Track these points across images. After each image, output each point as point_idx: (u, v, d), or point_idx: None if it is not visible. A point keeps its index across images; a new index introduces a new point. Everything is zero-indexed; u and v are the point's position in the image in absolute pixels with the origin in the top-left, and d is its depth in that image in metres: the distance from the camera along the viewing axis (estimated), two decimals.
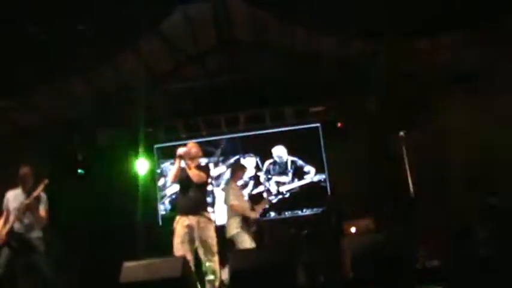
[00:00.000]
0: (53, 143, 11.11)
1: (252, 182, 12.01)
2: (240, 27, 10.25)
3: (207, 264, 6.68)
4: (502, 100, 9.52)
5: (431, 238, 9.79)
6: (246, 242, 8.09)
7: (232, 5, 9.34)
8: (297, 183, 11.84)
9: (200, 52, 11.03)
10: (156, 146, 12.28)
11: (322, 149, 11.93)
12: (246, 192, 11.94)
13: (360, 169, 11.34)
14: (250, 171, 12.05)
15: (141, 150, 11.56)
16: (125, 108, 10.94)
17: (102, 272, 8.29)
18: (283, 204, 11.80)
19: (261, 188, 11.98)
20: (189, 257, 6.76)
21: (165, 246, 7.39)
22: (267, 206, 8.84)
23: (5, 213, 7.47)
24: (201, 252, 6.78)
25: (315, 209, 11.55)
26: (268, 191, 11.88)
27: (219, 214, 10.80)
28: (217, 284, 6.73)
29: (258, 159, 12.12)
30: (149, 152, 12.01)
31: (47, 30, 7.38)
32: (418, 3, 7.75)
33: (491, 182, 9.63)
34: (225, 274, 7.03)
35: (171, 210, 11.91)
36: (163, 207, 12.19)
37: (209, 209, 7.13)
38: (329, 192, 11.67)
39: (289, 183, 11.94)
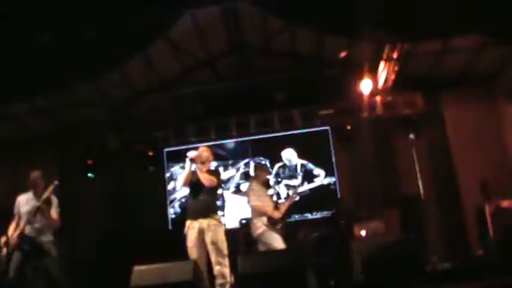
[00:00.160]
0: (64, 148, 11.18)
1: None
2: (249, 32, 10.27)
3: (217, 267, 6.67)
4: None
5: (442, 240, 9.80)
6: (273, 240, 7.99)
7: (241, 10, 9.36)
8: (306, 186, 11.83)
9: (210, 56, 11.07)
10: (166, 149, 12.30)
11: (332, 152, 11.91)
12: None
13: (369, 172, 11.33)
14: None
15: (151, 154, 11.59)
16: (135, 113, 10.98)
17: (113, 276, 8.33)
18: (293, 207, 11.76)
19: (270, 191, 11.97)
20: (203, 260, 6.76)
21: (175, 250, 7.40)
22: (296, 198, 8.67)
23: (16, 217, 7.50)
24: (212, 255, 6.78)
25: (324, 212, 11.54)
26: (278, 194, 11.88)
27: (229, 218, 10.83)
28: (227, 287, 6.72)
29: (267, 163, 12.12)
30: (159, 155, 12.03)
31: (57, 37, 7.42)
32: (429, 6, 7.73)
33: (503, 185, 9.62)
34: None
35: (181, 213, 11.94)
36: (173, 211, 12.21)
37: (219, 212, 7.10)
38: (339, 195, 11.65)
39: (299, 186, 11.93)
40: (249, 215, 11.27)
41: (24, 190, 7.65)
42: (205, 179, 6.92)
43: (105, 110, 10.81)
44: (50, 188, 7.32)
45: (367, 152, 11.40)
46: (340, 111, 11.37)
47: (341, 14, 7.93)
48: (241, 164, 12.18)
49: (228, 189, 11.78)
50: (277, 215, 8.16)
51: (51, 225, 7.44)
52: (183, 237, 7.04)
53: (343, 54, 10.34)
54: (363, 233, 9.38)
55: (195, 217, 6.87)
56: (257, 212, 8.16)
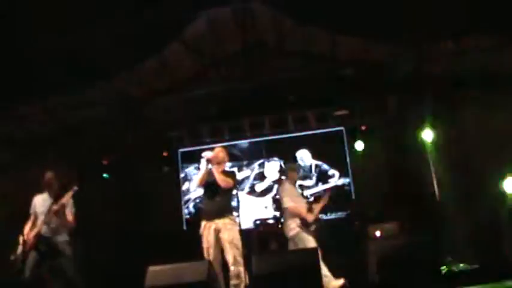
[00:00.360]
0: (79, 147, 11.23)
1: (276, 186, 12.01)
2: (263, 32, 10.25)
3: (233, 267, 6.68)
4: None
5: (458, 241, 9.74)
6: (306, 241, 7.99)
7: (255, 10, 9.36)
8: (321, 187, 11.82)
9: (224, 57, 11.07)
10: (180, 150, 12.34)
11: (346, 153, 11.89)
12: (270, 196, 11.97)
13: (384, 172, 11.31)
14: (274, 175, 12.07)
15: (165, 154, 11.63)
16: (150, 113, 11.01)
17: (127, 276, 8.35)
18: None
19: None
20: (218, 261, 6.78)
21: (189, 251, 7.41)
22: (326, 201, 8.63)
23: (32, 217, 7.58)
24: (228, 255, 6.79)
25: (339, 213, 11.52)
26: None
27: (243, 218, 10.85)
28: (242, 287, 6.72)
29: (282, 163, 12.13)
30: (173, 156, 12.07)
31: (71, 37, 7.46)
32: (444, 5, 7.70)
33: None
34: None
35: (195, 214, 11.97)
36: (187, 211, 12.24)
37: (234, 213, 7.10)
38: (353, 196, 11.63)
39: (313, 187, 11.93)
40: (263, 215, 11.36)
41: (39, 191, 7.72)
42: (222, 180, 6.93)
43: (120, 110, 10.84)
44: (70, 193, 7.39)
45: (382, 152, 11.37)
46: (355, 112, 11.36)
47: (355, 14, 7.92)
48: (256, 165, 12.20)
49: (242, 190, 11.80)
50: (311, 217, 8.14)
51: (67, 226, 7.51)
52: (197, 238, 7.06)
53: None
54: (378, 233, 9.35)
55: (211, 218, 6.89)
56: (291, 213, 8.13)
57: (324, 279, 7.66)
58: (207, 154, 7.05)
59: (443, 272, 8.04)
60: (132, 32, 8.02)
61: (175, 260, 6.46)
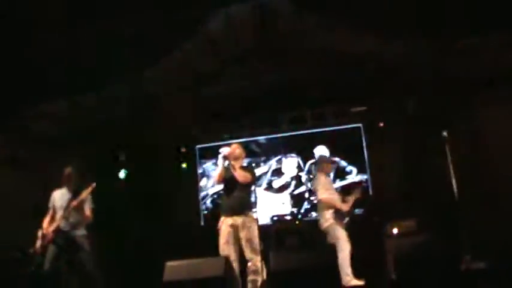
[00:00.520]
0: (99, 144, 11.30)
1: (293, 183, 12.02)
2: (283, 28, 10.24)
3: (250, 264, 6.70)
4: None
5: (477, 239, 9.68)
6: (339, 234, 8.00)
7: (275, 6, 9.35)
8: (338, 184, 11.79)
9: (243, 53, 11.07)
10: (198, 146, 12.37)
11: (364, 149, 11.86)
12: (287, 192, 11.98)
13: (402, 169, 11.26)
14: (292, 172, 12.07)
15: (183, 150, 11.67)
16: (168, 109, 11.05)
17: (145, 271, 8.40)
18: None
19: (302, 188, 11.98)
20: (234, 257, 6.79)
21: (207, 246, 7.43)
22: (358, 196, 8.62)
23: (51, 212, 7.67)
24: (245, 252, 6.80)
25: (356, 210, 11.47)
26: (310, 191, 11.87)
27: (261, 214, 10.85)
28: (259, 284, 6.73)
29: (299, 160, 12.12)
30: (191, 152, 12.11)
31: (95, 34, 7.51)
32: (463, 2, 7.65)
33: None
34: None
35: (213, 210, 12.00)
36: (205, 207, 12.27)
37: (253, 209, 7.11)
38: (371, 193, 11.59)
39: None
40: (280, 212, 11.37)
41: (58, 186, 7.80)
42: (240, 175, 6.94)
43: (138, 106, 10.89)
44: (88, 190, 7.45)
45: (400, 149, 11.33)
46: (373, 109, 11.33)
47: (375, 11, 7.89)
48: (273, 161, 12.20)
49: (260, 186, 11.80)
50: (345, 208, 8.15)
51: (85, 221, 7.57)
52: (215, 233, 7.08)
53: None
54: (395, 231, 9.31)
55: (229, 214, 6.91)
56: (326, 205, 8.12)
57: (346, 278, 7.67)
58: (223, 150, 7.07)
59: (462, 270, 8.00)
60: (151, 29, 8.05)
61: (193, 256, 6.50)
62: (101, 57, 8.19)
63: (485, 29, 8.35)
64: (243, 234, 6.76)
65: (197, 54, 10.05)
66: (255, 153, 12.19)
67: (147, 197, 11.41)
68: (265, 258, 6.78)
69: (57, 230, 7.41)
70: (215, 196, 12.07)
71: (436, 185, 10.44)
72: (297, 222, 10.76)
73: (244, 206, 6.93)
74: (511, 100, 10.24)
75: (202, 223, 12.15)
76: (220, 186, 7.48)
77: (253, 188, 7.07)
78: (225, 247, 6.81)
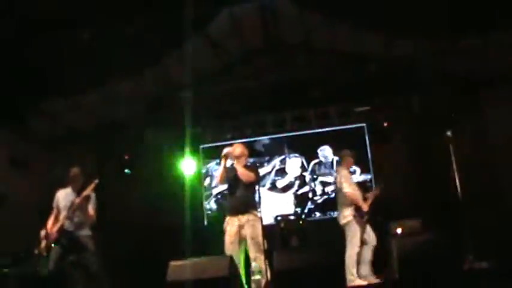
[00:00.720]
0: (101, 143, 11.33)
1: (297, 182, 12.03)
2: (287, 28, 10.25)
3: (254, 263, 6.70)
4: None
5: (480, 239, 9.66)
6: (353, 233, 7.98)
7: (279, 6, 9.35)
8: None
9: (246, 53, 11.08)
10: (202, 146, 12.38)
11: (368, 149, 11.86)
12: (291, 192, 11.99)
13: (406, 169, 11.26)
14: (295, 172, 12.08)
15: (187, 150, 11.67)
16: (172, 109, 11.06)
17: (149, 271, 8.41)
18: (329, 204, 11.77)
19: (306, 188, 11.99)
20: (239, 257, 6.79)
21: (211, 246, 7.45)
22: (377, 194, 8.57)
23: (55, 212, 7.67)
24: (250, 250, 6.80)
25: None
26: (314, 191, 11.87)
27: (264, 214, 10.84)
28: (263, 284, 6.73)
29: (303, 160, 12.13)
30: (195, 152, 12.11)
31: (95, 34, 7.51)
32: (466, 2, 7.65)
33: None
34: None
35: (217, 210, 12.03)
36: (209, 207, 12.29)
37: (258, 208, 7.08)
38: None
39: (334, 183, 11.91)
40: (284, 211, 11.36)
41: (62, 186, 7.80)
42: (243, 174, 6.93)
43: (142, 106, 10.92)
44: (91, 186, 7.45)
45: (404, 149, 11.33)
46: (377, 108, 11.33)
47: (379, 10, 7.89)
48: (277, 161, 12.21)
49: (263, 186, 11.80)
50: (365, 206, 8.09)
51: (89, 221, 7.58)
52: (218, 233, 7.09)
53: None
54: (399, 231, 9.31)
55: (234, 213, 6.90)
56: (349, 200, 8.06)
57: (350, 277, 7.67)
58: (224, 150, 7.07)
59: (465, 270, 7.99)
60: (155, 28, 8.06)
61: (196, 255, 6.51)
62: (103, 57, 8.19)
63: (489, 29, 8.34)
64: (248, 232, 6.76)
65: (201, 54, 10.07)
66: (259, 153, 12.19)
67: (150, 197, 11.42)
68: (269, 258, 6.78)
69: (61, 230, 7.41)
70: (219, 196, 12.09)
71: (440, 185, 10.44)
72: (300, 222, 10.75)
73: (249, 206, 6.92)
74: None
75: (206, 223, 12.16)
76: (224, 186, 7.47)
77: (257, 187, 7.05)
78: (231, 247, 6.80)
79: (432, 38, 9.02)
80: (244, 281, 6.70)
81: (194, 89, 10.64)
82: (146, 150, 11.70)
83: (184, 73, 10.14)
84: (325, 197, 11.85)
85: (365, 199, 8.24)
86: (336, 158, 11.97)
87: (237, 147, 7.24)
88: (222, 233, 6.98)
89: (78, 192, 7.52)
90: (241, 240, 6.84)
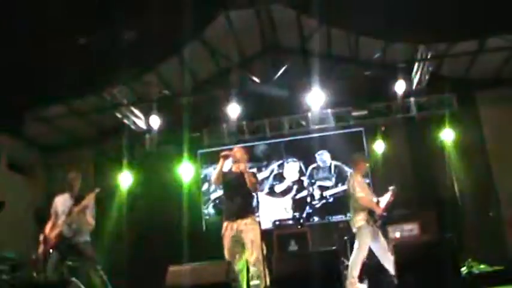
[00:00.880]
0: (100, 149, 11.33)
1: (295, 187, 12.02)
2: (283, 33, 10.28)
3: (254, 268, 6.68)
4: None
5: (478, 243, 9.68)
6: (363, 240, 7.90)
7: (275, 11, 9.38)
8: (340, 188, 11.78)
9: (244, 58, 11.11)
10: (200, 151, 12.37)
11: (366, 153, 11.85)
12: (289, 197, 11.98)
13: (404, 173, 11.26)
14: (293, 176, 12.07)
15: (185, 155, 11.67)
16: (170, 114, 11.07)
17: (148, 276, 8.39)
18: (327, 208, 11.77)
19: (304, 193, 11.98)
20: (238, 261, 6.76)
21: (209, 251, 7.43)
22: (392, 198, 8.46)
23: (53, 217, 7.63)
24: (249, 255, 6.78)
25: None
26: (312, 195, 11.87)
27: (262, 219, 10.83)
28: None
29: (301, 164, 12.12)
30: (193, 157, 12.10)
31: (92, 39, 7.50)
32: (465, 5, 7.66)
33: None
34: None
35: (215, 215, 12.02)
36: (207, 212, 12.27)
37: (256, 213, 7.07)
38: None
39: (332, 187, 11.91)
40: (282, 216, 11.34)
41: (61, 191, 7.78)
42: (252, 182, 6.92)
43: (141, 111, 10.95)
44: (92, 195, 7.43)
45: (402, 152, 11.33)
46: (374, 112, 11.34)
47: (376, 15, 7.90)
48: (275, 166, 12.20)
49: (261, 190, 11.77)
50: (379, 210, 7.99)
51: (87, 227, 7.55)
52: (217, 238, 7.07)
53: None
54: (398, 234, 9.31)
55: (232, 218, 6.88)
56: (362, 205, 7.96)
57: (351, 280, 7.65)
58: (224, 152, 7.07)
59: (464, 273, 7.99)
60: (152, 34, 8.06)
61: (195, 260, 6.50)
62: (101, 63, 8.19)
63: (488, 30, 8.36)
64: (246, 236, 6.74)
65: (199, 59, 10.09)
66: (257, 158, 12.18)
67: (149, 202, 11.42)
68: (267, 263, 6.76)
69: (60, 236, 7.39)
70: (217, 201, 12.08)
71: (438, 188, 10.47)
72: (299, 226, 10.73)
73: (247, 210, 6.90)
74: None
75: (204, 228, 12.14)
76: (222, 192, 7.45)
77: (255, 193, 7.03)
78: (229, 252, 6.79)
79: (427, 42, 9.05)
80: (243, 286, 6.69)
81: (191, 93, 10.65)
82: (145, 155, 11.71)
83: (182, 78, 10.18)
84: (324, 201, 11.84)
85: (378, 203, 8.15)
86: (333, 162, 11.97)
87: (237, 152, 7.22)
88: (220, 238, 6.97)
89: (76, 198, 7.50)
90: (240, 245, 6.82)
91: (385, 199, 8.16)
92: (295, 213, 11.70)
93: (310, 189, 11.96)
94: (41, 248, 7.37)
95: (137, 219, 11.17)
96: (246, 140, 11.82)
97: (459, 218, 9.22)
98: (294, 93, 10.92)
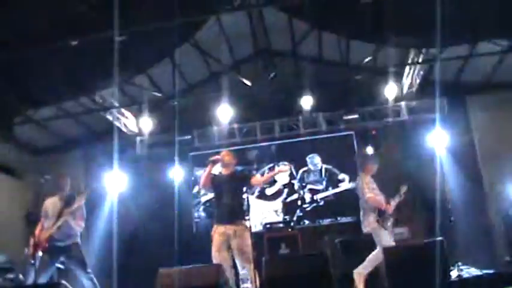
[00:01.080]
0: (90, 152, 11.30)
1: (286, 190, 12.03)
2: (275, 36, 10.30)
3: (243, 272, 6.68)
4: None
5: (468, 246, 9.71)
6: (384, 238, 7.89)
7: (267, 15, 9.39)
8: (331, 191, 11.82)
9: (235, 61, 11.11)
10: (191, 153, 12.36)
11: (356, 157, 11.88)
12: (280, 200, 11.99)
13: (394, 176, 11.29)
14: (284, 179, 12.08)
15: (176, 158, 11.65)
16: (162, 117, 11.07)
17: (138, 279, 8.38)
18: (318, 212, 11.79)
19: (295, 196, 12.00)
20: (227, 265, 6.76)
21: (199, 254, 7.43)
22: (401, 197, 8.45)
23: (43, 220, 7.61)
24: (237, 260, 6.78)
25: (349, 217, 11.49)
26: (303, 199, 11.88)
27: (253, 221, 10.84)
28: None
29: (292, 167, 12.13)
30: (184, 159, 12.09)
31: (84, 41, 7.48)
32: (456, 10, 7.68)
33: None
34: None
35: (205, 217, 12.01)
36: (198, 215, 12.26)
37: (246, 217, 7.07)
38: None
39: (323, 191, 11.93)
40: (273, 219, 11.35)
41: (51, 193, 7.76)
42: (256, 180, 6.97)
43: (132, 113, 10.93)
44: (82, 197, 7.42)
45: (392, 156, 11.36)
46: (365, 116, 11.37)
47: (367, 19, 7.92)
48: (266, 169, 12.21)
49: (252, 193, 11.79)
50: (390, 209, 7.99)
51: (77, 229, 7.54)
52: (207, 241, 7.07)
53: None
54: None
55: (222, 222, 6.88)
56: (372, 205, 7.95)
57: (360, 270, 7.68)
58: (213, 157, 7.09)
59: (454, 277, 8.01)
60: (144, 37, 8.05)
61: (185, 263, 6.50)
62: (92, 65, 8.18)
63: (480, 34, 8.39)
64: (234, 243, 6.73)
65: (190, 62, 10.09)
66: (248, 161, 12.18)
67: (140, 205, 11.40)
68: (258, 266, 6.77)
69: (50, 239, 7.37)
70: (207, 204, 12.07)
71: (429, 192, 10.49)
72: (289, 229, 10.73)
73: (236, 214, 6.90)
74: (502, 106, 10.31)
75: (194, 230, 12.13)
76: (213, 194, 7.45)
77: (245, 196, 7.03)
78: (217, 255, 6.78)
79: (418, 46, 9.09)
80: None
81: (183, 96, 10.64)
82: (137, 157, 11.70)
83: (173, 81, 10.17)
84: (314, 204, 11.86)
85: (388, 203, 8.14)
86: (324, 166, 11.99)
87: (225, 156, 7.23)
88: (210, 241, 6.97)
89: (66, 200, 7.49)
90: (228, 249, 6.82)
91: (397, 199, 8.20)
92: (286, 216, 11.71)
93: (301, 192, 11.97)
94: (30, 250, 7.34)
95: (128, 222, 11.14)
96: (237, 143, 11.83)
97: (449, 222, 9.22)
98: (285, 97, 10.94)
